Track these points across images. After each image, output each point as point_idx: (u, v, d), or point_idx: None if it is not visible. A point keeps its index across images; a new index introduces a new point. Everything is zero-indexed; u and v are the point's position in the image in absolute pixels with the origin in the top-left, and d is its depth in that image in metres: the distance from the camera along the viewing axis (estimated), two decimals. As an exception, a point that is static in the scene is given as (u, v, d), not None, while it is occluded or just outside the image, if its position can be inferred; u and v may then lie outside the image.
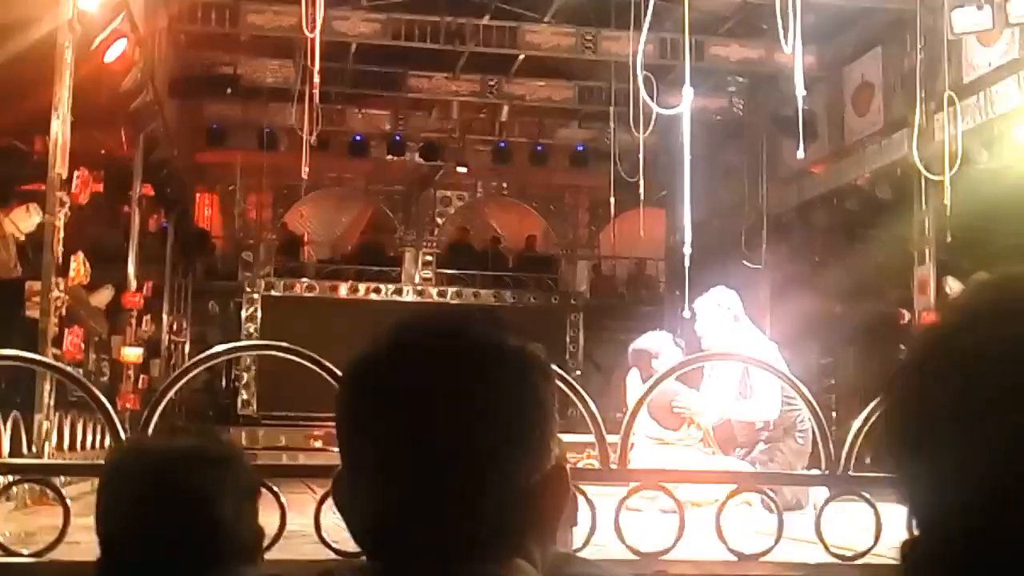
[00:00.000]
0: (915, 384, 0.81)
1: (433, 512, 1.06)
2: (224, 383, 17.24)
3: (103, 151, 11.99)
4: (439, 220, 18.66)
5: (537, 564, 1.11)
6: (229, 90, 13.64)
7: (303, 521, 3.61)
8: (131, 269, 11.36)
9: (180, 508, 1.66)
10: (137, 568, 1.67)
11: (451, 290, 17.83)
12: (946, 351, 0.79)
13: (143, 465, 1.75)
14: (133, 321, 11.52)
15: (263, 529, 1.78)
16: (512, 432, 1.08)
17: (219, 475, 1.71)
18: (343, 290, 17.42)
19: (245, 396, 16.72)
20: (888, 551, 3.85)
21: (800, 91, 7.82)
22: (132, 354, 11.34)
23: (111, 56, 8.80)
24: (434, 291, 17.81)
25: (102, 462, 3.37)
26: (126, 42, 8.86)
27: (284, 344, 3.80)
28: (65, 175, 7.55)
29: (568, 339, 17.87)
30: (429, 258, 18.41)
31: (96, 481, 3.34)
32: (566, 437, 4.94)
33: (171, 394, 3.58)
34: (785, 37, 7.72)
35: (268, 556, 3.35)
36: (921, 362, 0.81)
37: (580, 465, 5.49)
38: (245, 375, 16.75)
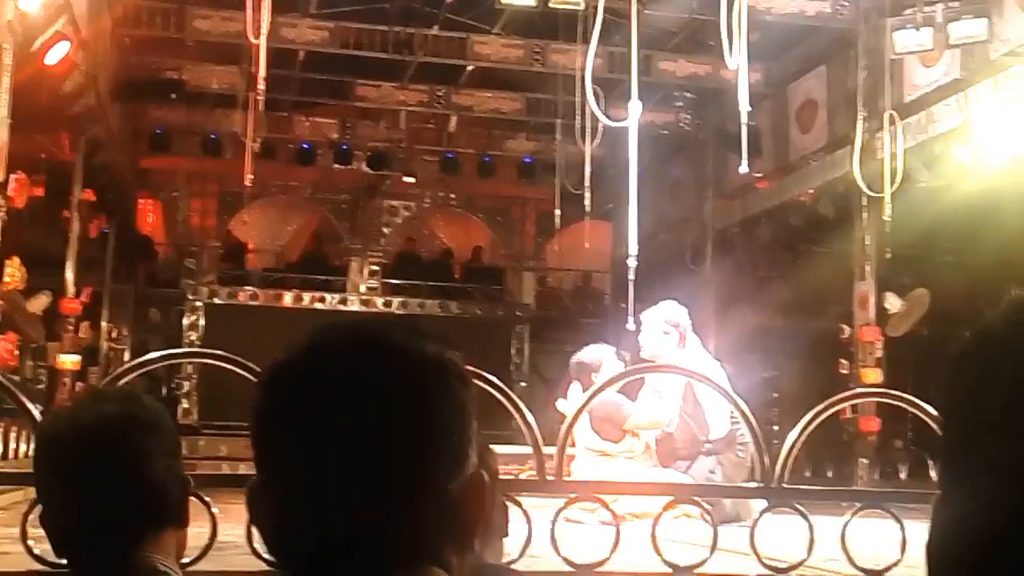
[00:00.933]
0: (964, 388, 0.79)
1: (346, 520, 1.04)
2: (165, 391, 17.01)
3: (43, 155, 11.82)
4: (385, 230, 18.59)
5: (454, 573, 1.09)
6: (174, 95, 13.52)
7: (239, 532, 3.55)
8: (70, 275, 11.18)
9: (114, 471, 1.82)
10: (79, 531, 1.82)
11: (396, 300, 17.73)
12: (995, 359, 0.77)
13: (75, 432, 1.88)
14: (71, 328, 11.34)
15: (190, 479, 1.94)
16: (429, 439, 1.07)
17: (147, 436, 1.87)
18: (287, 299, 17.26)
19: (186, 405, 16.50)
20: (821, 563, 3.87)
21: (744, 107, 7.90)
22: (69, 361, 11.16)
23: (52, 59, 8.68)
24: (379, 301, 17.70)
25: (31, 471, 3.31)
26: (68, 45, 8.74)
27: (220, 352, 3.73)
28: (2, 178, 7.43)
29: (514, 351, 17.85)
30: (375, 268, 18.32)
31: (28, 491, 3.27)
32: (509, 448, 4.91)
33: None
34: (730, 54, 7.79)
35: (199, 568, 3.30)
36: (970, 366, 0.79)
37: (523, 476, 5.48)
38: (186, 384, 16.53)
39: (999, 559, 0.72)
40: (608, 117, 9.20)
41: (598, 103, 8.85)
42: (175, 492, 1.89)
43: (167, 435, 1.93)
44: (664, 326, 7.16)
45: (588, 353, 7.17)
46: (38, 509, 1.92)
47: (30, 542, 3.21)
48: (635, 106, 8.47)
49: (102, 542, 1.81)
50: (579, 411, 4.00)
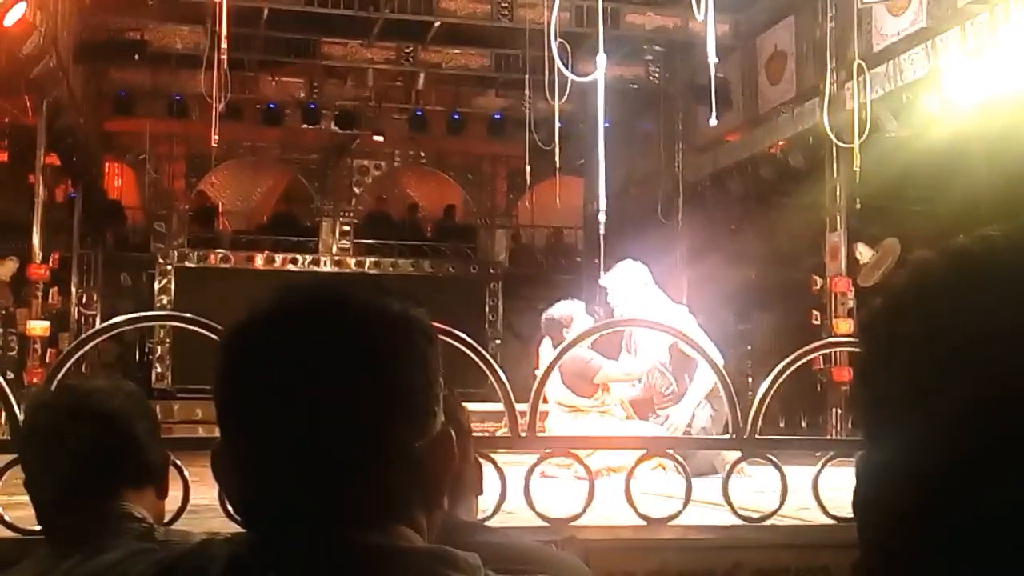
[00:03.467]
0: (874, 351, 0.77)
1: (312, 480, 1.03)
2: (137, 356, 16.93)
3: (5, 119, 11.66)
4: (356, 189, 18.47)
5: (423, 532, 1.09)
6: (137, 56, 13.28)
7: (212, 494, 3.54)
8: (36, 240, 11.07)
9: (101, 426, 1.92)
10: (64, 487, 1.91)
11: (369, 260, 17.67)
12: (910, 314, 0.75)
13: (64, 396, 2.04)
14: (39, 294, 11.25)
15: (169, 454, 2.08)
16: (394, 397, 1.05)
17: (132, 402, 2.01)
18: (259, 261, 17.16)
19: (159, 369, 16.42)
20: (794, 512, 3.91)
21: (712, 59, 7.86)
22: (39, 327, 11.08)
23: (10, 20, 8.52)
24: (352, 261, 17.64)
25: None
26: (25, 6, 8.58)
27: (188, 315, 3.70)
28: (-37, 144, 7.31)
29: (487, 308, 17.86)
30: (347, 228, 18.22)
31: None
32: (485, 405, 4.91)
33: (70, 363, 3.47)
34: (698, 6, 7.74)
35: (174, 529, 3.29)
36: (882, 327, 0.77)
37: (499, 433, 5.48)
38: (159, 348, 16.44)
39: (925, 507, 0.71)
40: (577, 72, 9.13)
41: (565, 58, 8.78)
42: (155, 456, 2.00)
43: (149, 409, 2.07)
44: (627, 282, 7.17)
45: (559, 309, 7.18)
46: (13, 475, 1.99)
47: None
48: (601, 60, 8.40)
49: (85, 494, 1.89)
50: (550, 367, 4.01)
